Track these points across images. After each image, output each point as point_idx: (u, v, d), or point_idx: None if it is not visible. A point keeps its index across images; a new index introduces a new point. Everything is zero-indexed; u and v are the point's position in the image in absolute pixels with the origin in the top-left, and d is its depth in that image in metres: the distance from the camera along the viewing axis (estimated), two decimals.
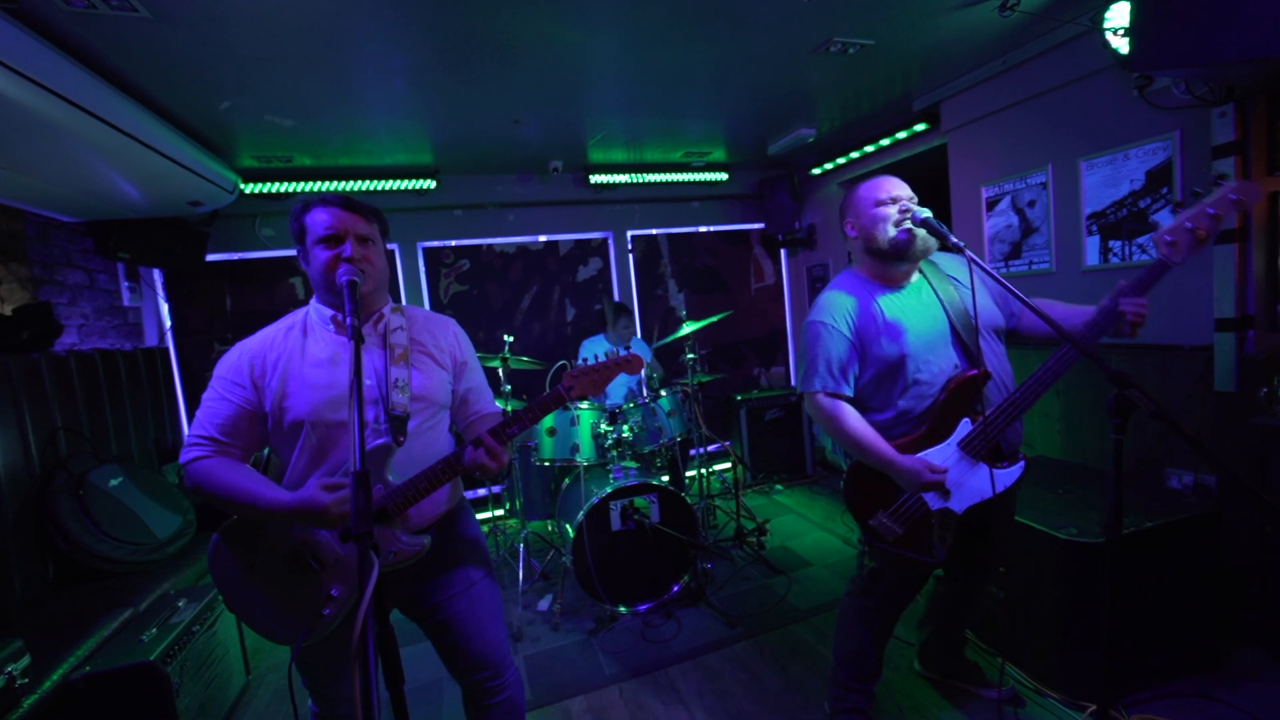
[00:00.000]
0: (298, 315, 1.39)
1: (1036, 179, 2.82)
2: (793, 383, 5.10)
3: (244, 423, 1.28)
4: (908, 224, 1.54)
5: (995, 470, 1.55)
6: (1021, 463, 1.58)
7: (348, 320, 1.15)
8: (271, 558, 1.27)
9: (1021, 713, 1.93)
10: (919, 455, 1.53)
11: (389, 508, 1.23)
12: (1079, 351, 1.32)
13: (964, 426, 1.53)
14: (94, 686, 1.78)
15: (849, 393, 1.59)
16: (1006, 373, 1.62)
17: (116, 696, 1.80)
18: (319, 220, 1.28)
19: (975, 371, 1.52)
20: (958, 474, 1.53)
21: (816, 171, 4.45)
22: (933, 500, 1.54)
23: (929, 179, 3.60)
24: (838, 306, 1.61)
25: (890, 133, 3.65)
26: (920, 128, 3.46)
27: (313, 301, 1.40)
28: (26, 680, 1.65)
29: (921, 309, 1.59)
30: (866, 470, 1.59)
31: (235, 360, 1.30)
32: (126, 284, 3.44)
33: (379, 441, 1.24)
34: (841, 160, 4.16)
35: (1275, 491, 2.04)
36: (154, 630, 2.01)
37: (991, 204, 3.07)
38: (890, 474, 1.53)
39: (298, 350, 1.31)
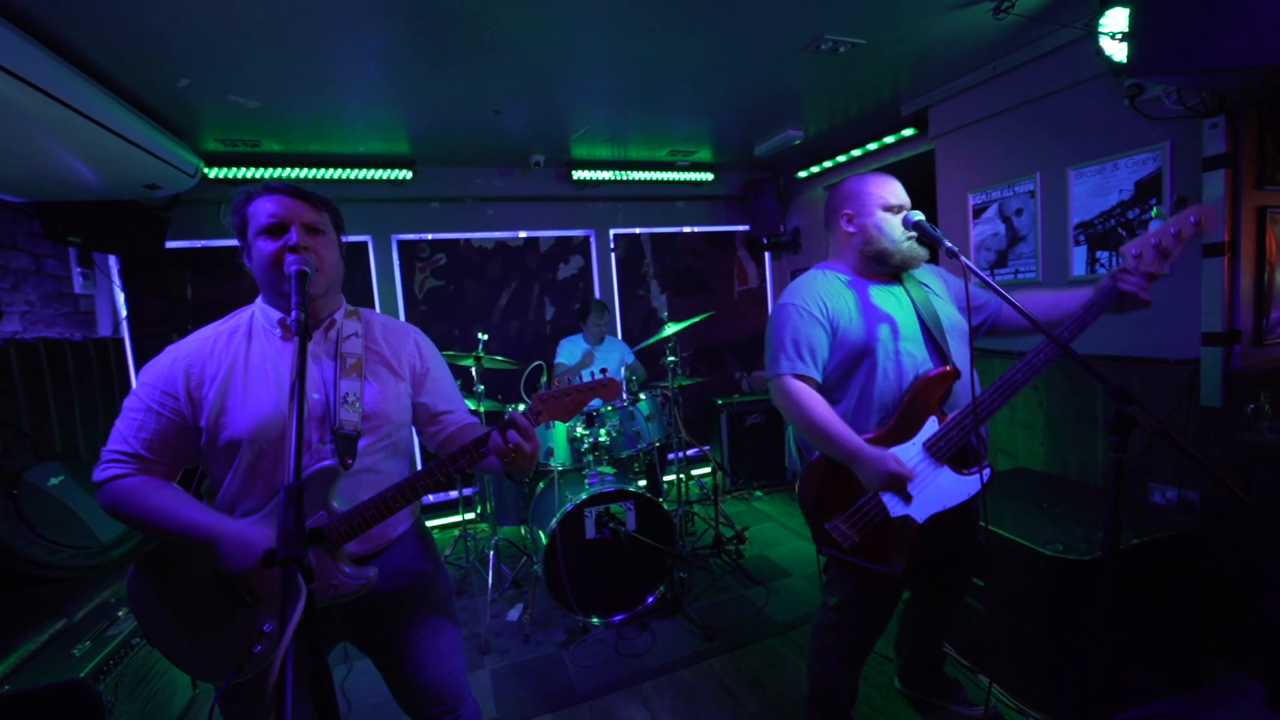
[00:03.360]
0: (241, 316, 1.25)
1: (1024, 187, 2.79)
2: None
3: (174, 438, 1.13)
4: (912, 237, 1.52)
5: (961, 476, 1.48)
6: (988, 469, 1.49)
7: (293, 315, 1.03)
8: (198, 587, 1.12)
9: None
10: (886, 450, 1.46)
11: (330, 536, 1.10)
12: (1065, 352, 1.28)
13: (930, 426, 1.47)
14: (12, 707, 1.63)
15: (817, 376, 1.52)
16: (975, 380, 1.56)
17: (39, 718, 1.65)
18: (262, 209, 1.15)
19: (946, 368, 1.47)
20: (921, 476, 1.46)
21: (803, 174, 4.40)
22: (893, 506, 1.46)
23: (916, 186, 3.55)
24: (811, 289, 1.56)
25: (878, 137, 3.61)
26: (908, 133, 3.42)
27: (258, 301, 1.26)
28: None
29: (896, 304, 1.55)
30: (826, 470, 1.50)
31: (168, 367, 1.14)
32: (79, 270, 3.25)
33: (323, 464, 1.11)
34: (828, 164, 4.11)
35: (1264, 507, 2.01)
36: (87, 643, 1.86)
37: (978, 211, 3.04)
38: (854, 467, 1.44)
39: (241, 359, 1.17)
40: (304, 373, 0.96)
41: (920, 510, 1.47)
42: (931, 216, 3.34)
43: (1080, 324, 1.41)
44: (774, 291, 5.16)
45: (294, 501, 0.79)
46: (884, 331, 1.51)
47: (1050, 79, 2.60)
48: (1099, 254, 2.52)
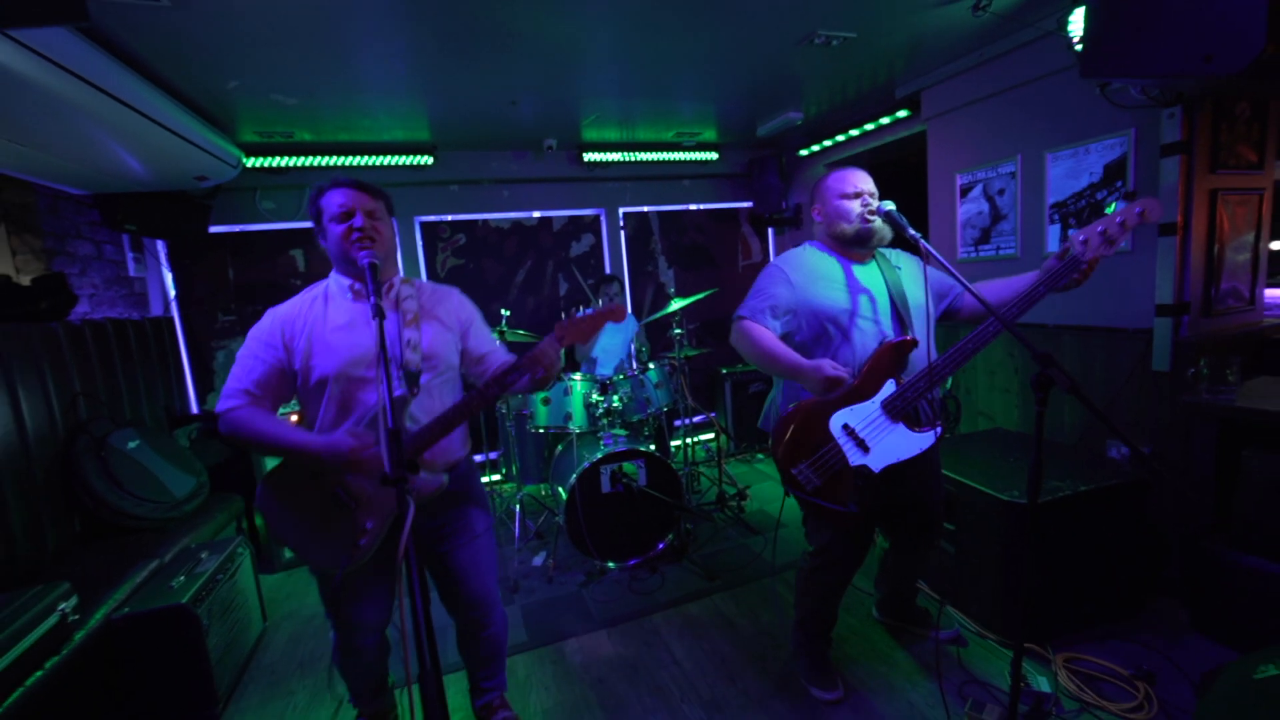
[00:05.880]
0: (319, 286, 1.57)
1: (1006, 168, 2.99)
2: None
3: (275, 379, 1.47)
4: (871, 216, 1.74)
5: (913, 433, 1.71)
6: (938, 428, 1.74)
7: (370, 300, 1.32)
8: (312, 498, 1.46)
9: (963, 652, 2.18)
10: (844, 409, 1.69)
11: (410, 452, 1.41)
12: (1004, 326, 1.51)
13: (889, 387, 1.69)
14: (133, 625, 1.97)
15: (775, 330, 1.77)
16: (932, 352, 1.76)
17: (154, 635, 1.99)
18: (334, 200, 1.47)
19: (907, 337, 1.71)
20: (877, 431, 1.69)
21: (804, 153, 4.58)
22: (852, 456, 1.70)
23: (913, 164, 3.75)
24: (801, 258, 1.83)
25: (874, 118, 3.78)
26: (902, 114, 3.59)
27: (332, 273, 1.58)
28: (77, 617, 1.84)
29: (870, 280, 1.80)
30: (795, 422, 1.74)
31: (269, 325, 1.48)
32: (132, 255, 3.54)
33: (395, 394, 1.43)
34: (828, 143, 4.28)
35: (1198, 461, 2.27)
36: (182, 578, 2.19)
37: (965, 191, 3.24)
38: (799, 379, 1.69)
39: (321, 316, 1.50)
40: (384, 344, 1.24)
41: (876, 460, 1.70)
42: (922, 195, 3.55)
43: (1029, 300, 1.59)
44: None
45: (395, 440, 1.09)
46: (864, 302, 1.76)
47: (1031, 67, 2.77)
48: (1071, 232, 2.73)
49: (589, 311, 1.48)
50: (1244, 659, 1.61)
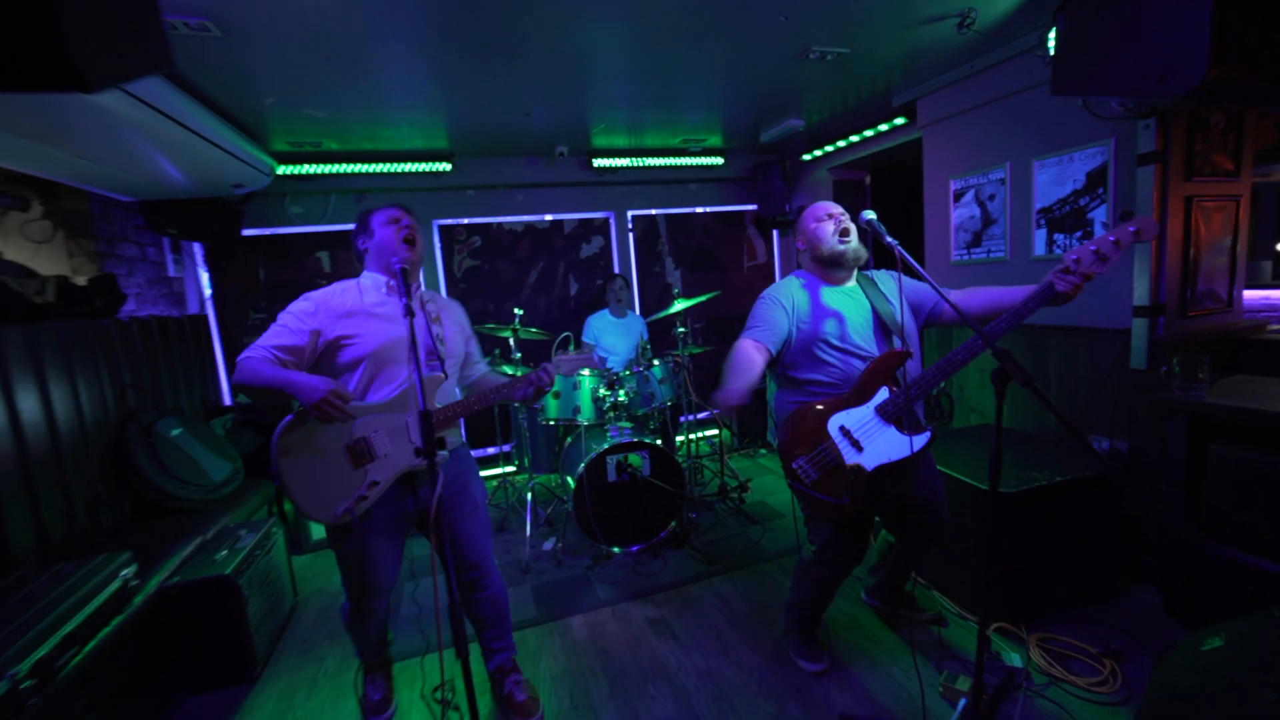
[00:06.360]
0: (350, 281, 1.82)
1: (997, 175, 3.12)
2: None
3: (298, 349, 1.66)
4: (845, 238, 1.91)
5: (903, 435, 1.83)
6: (928, 433, 1.86)
7: (401, 301, 1.54)
8: (331, 447, 1.63)
9: (945, 631, 2.33)
10: (841, 413, 1.84)
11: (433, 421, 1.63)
12: (979, 335, 1.65)
13: (882, 393, 1.85)
14: (183, 592, 2.19)
15: (769, 346, 1.91)
16: (918, 364, 1.91)
17: (201, 601, 2.21)
18: (387, 213, 1.78)
19: (903, 349, 1.87)
20: (871, 432, 1.84)
21: (807, 157, 4.72)
22: (847, 454, 1.84)
23: (913, 168, 3.88)
24: (784, 288, 1.99)
25: (873, 125, 3.92)
26: (900, 121, 3.73)
27: (366, 273, 1.83)
28: (136, 582, 2.06)
29: (852, 303, 1.95)
30: (796, 421, 1.89)
31: (308, 306, 1.70)
32: (171, 257, 3.79)
33: (433, 374, 1.69)
34: (829, 148, 4.42)
35: (1171, 454, 2.39)
36: (224, 552, 2.40)
37: (958, 196, 3.37)
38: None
39: (358, 303, 1.74)
40: (414, 338, 1.43)
41: (869, 460, 1.84)
42: (918, 200, 3.68)
43: (1018, 316, 1.71)
44: (781, 266, 5.53)
45: (426, 421, 1.27)
46: (830, 324, 1.91)
47: (1019, 77, 2.90)
48: (1056, 236, 2.86)
49: (575, 356, 1.97)
50: (1195, 634, 1.74)
